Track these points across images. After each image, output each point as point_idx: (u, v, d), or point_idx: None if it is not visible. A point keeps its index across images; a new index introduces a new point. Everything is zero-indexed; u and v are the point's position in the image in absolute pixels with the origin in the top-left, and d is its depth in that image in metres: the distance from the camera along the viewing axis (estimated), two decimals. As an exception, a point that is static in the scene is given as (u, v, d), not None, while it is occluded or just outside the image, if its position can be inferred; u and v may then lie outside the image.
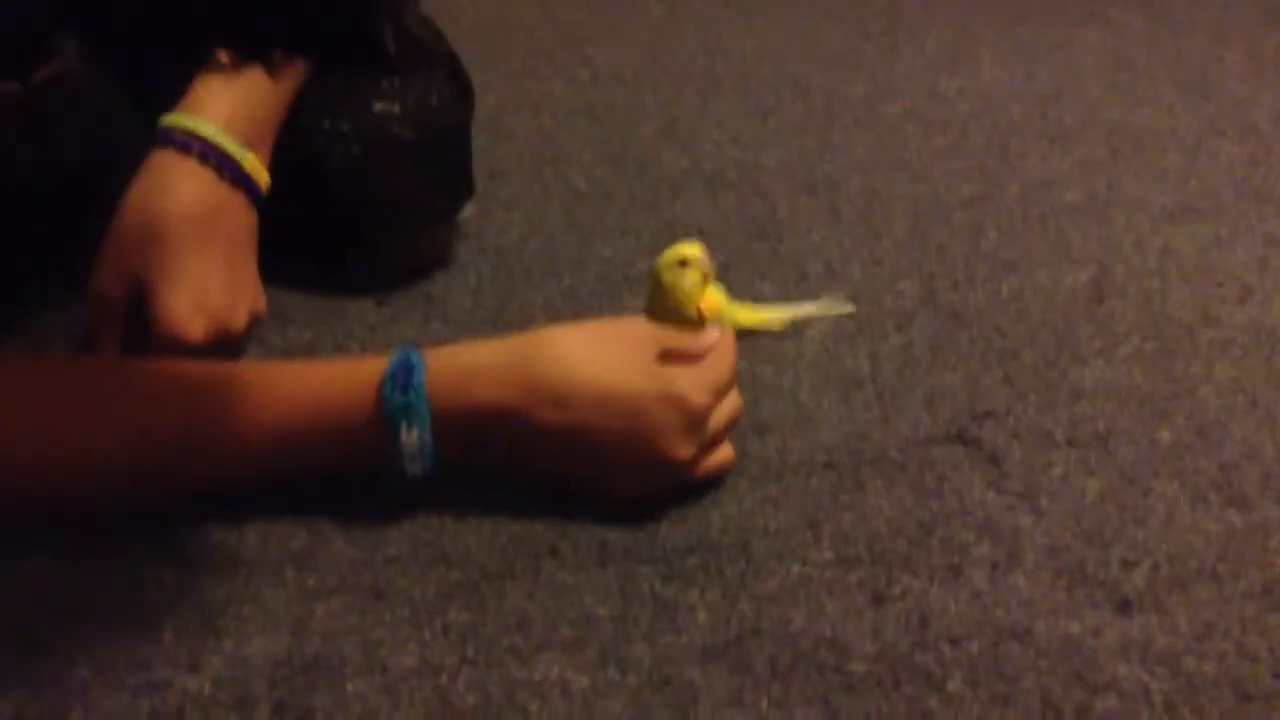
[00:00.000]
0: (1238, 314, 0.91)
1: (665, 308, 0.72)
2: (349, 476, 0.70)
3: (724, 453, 0.72)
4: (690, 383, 0.68)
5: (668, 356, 0.69)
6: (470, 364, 0.68)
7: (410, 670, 0.61)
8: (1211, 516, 0.72)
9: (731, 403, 0.72)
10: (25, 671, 0.60)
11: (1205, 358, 0.86)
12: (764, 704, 0.60)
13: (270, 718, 0.58)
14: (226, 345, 0.76)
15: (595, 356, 0.68)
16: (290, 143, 0.83)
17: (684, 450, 0.68)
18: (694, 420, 0.68)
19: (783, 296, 0.90)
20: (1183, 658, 0.63)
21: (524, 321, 0.87)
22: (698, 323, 0.72)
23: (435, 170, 0.89)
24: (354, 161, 0.85)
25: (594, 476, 0.69)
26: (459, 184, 0.92)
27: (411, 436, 0.66)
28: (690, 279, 0.71)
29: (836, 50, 1.35)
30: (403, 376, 0.66)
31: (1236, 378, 0.84)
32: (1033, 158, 1.12)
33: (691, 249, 0.72)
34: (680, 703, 0.60)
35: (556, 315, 0.88)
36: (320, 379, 0.69)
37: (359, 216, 0.87)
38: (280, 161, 0.82)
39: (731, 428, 0.72)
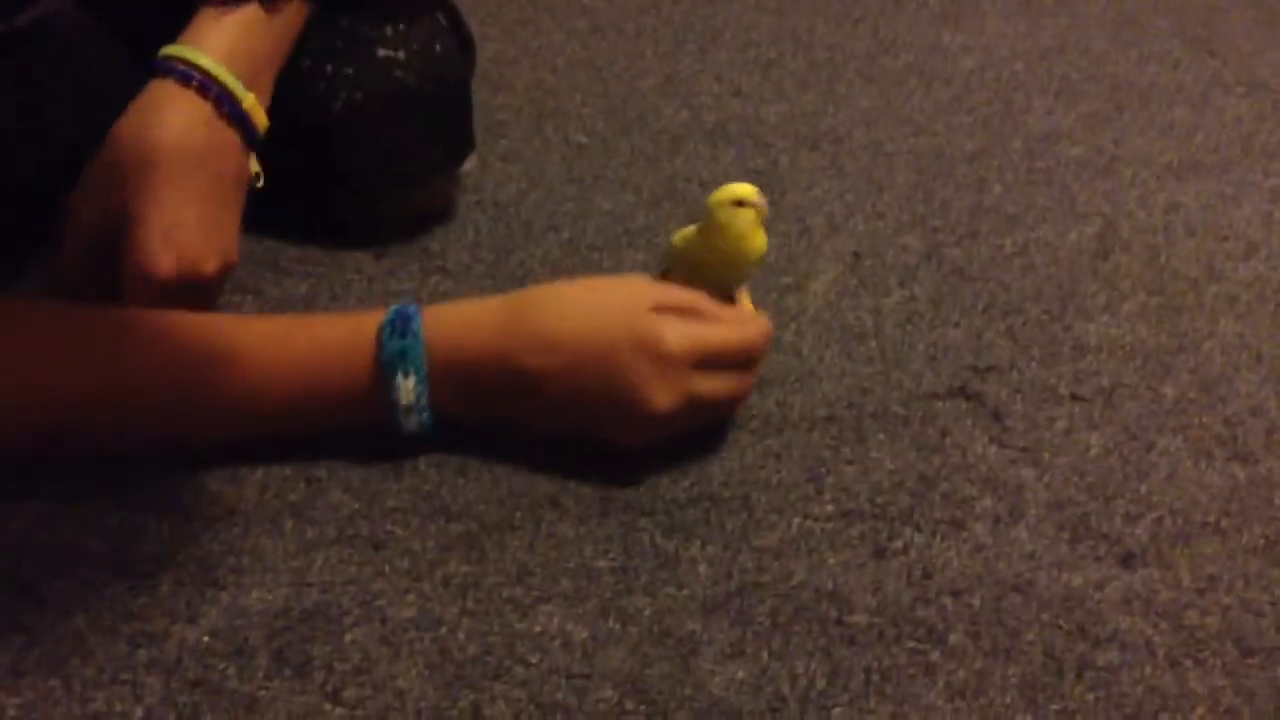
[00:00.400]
0: (1243, 269, 0.90)
1: (715, 247, 0.71)
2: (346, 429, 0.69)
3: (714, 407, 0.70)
4: (670, 331, 0.67)
5: (663, 309, 0.68)
6: (466, 317, 0.68)
7: (410, 621, 0.61)
8: (1215, 471, 0.72)
9: (733, 378, 0.69)
10: (22, 621, 0.60)
11: (1210, 313, 0.85)
12: (765, 656, 0.60)
13: (269, 668, 0.58)
14: (195, 289, 0.74)
15: (585, 305, 0.68)
16: (291, 87, 0.82)
17: (660, 400, 0.66)
18: (665, 367, 0.66)
19: (785, 251, 0.90)
20: (1185, 611, 0.63)
21: (523, 275, 0.87)
22: (728, 292, 0.71)
23: (436, 120, 0.88)
24: (356, 107, 0.83)
25: (583, 429, 0.69)
26: (460, 137, 0.91)
27: (408, 384, 0.66)
28: (745, 218, 0.70)
29: (839, 3, 1.34)
30: (400, 324, 0.66)
31: (1241, 333, 0.83)
32: (1037, 112, 1.11)
33: (748, 189, 0.70)
34: (681, 655, 0.60)
35: (556, 269, 0.87)
36: (319, 330, 0.69)
37: (359, 164, 0.86)
38: (280, 106, 0.80)
39: (728, 401, 0.70)
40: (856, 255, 0.90)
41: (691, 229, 0.73)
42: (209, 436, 0.68)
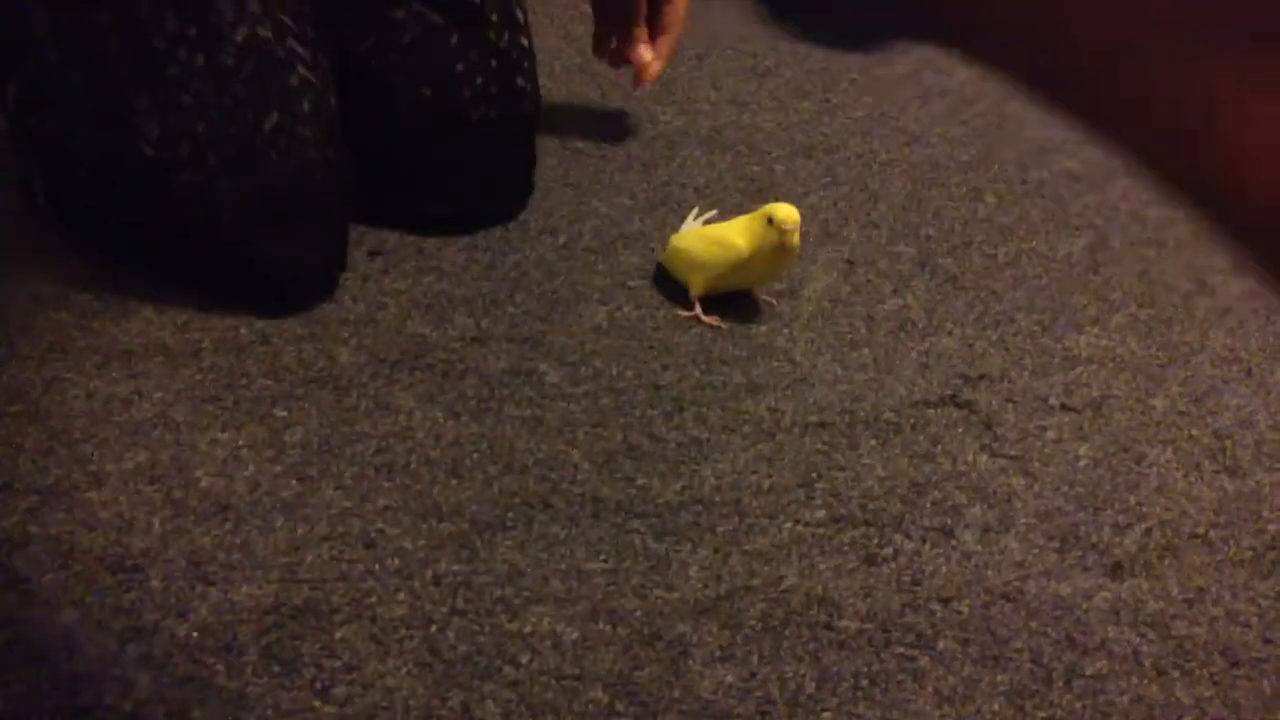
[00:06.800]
0: (1233, 284, 0.90)
1: (756, 249, 0.80)
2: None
3: None
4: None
5: None
6: None
7: (399, 620, 0.61)
8: (1204, 482, 0.72)
9: None
10: (12, 614, 0.60)
11: (1200, 326, 0.86)
12: (754, 659, 0.60)
13: (258, 664, 0.58)
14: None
15: None
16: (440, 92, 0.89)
17: None
18: None
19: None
20: (1173, 622, 0.63)
21: (518, 276, 0.87)
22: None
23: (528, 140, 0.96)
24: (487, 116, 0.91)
25: None
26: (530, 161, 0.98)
27: None
28: (768, 237, 0.79)
29: (835, 13, 1.34)
30: None
31: (1231, 346, 0.84)
32: (1031, 125, 1.12)
33: (786, 213, 0.78)
34: (670, 657, 0.60)
35: (551, 271, 0.87)
36: None
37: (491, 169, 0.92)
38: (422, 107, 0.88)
39: None
40: (850, 263, 0.90)
41: (688, 230, 0.81)
42: None
